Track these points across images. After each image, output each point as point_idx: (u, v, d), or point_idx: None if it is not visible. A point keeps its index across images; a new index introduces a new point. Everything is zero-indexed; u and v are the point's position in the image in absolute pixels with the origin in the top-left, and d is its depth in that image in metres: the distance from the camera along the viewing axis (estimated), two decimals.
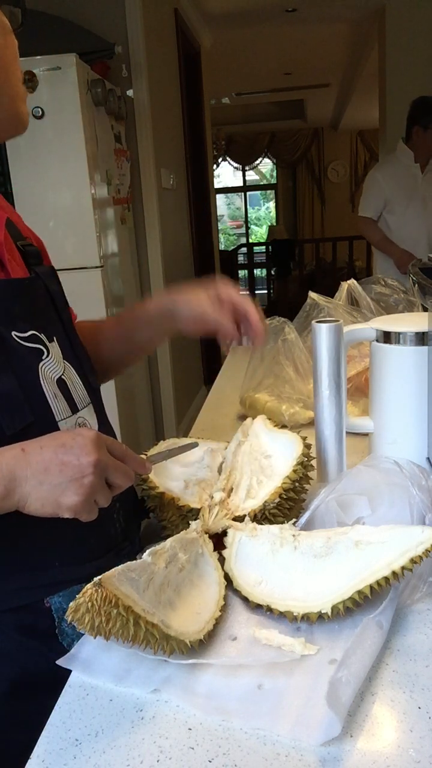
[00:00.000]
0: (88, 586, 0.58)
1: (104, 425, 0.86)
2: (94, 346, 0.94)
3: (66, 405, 0.77)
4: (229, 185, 10.90)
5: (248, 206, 11.03)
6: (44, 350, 0.77)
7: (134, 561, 0.64)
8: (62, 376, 0.79)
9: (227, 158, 9.94)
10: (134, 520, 0.89)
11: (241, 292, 0.89)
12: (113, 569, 0.61)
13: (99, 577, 0.59)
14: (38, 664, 0.73)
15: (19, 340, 0.73)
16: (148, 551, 0.67)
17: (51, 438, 0.66)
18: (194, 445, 0.87)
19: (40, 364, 0.75)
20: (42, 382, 0.75)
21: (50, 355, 0.77)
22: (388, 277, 1.51)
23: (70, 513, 0.64)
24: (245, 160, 10.10)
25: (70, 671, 0.62)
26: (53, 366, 0.78)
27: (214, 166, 8.42)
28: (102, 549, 0.80)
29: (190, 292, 0.91)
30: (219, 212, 8.99)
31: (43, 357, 0.76)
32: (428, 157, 3.21)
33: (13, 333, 0.73)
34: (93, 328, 0.98)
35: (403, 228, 3.27)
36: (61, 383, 0.78)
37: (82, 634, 0.65)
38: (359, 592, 0.63)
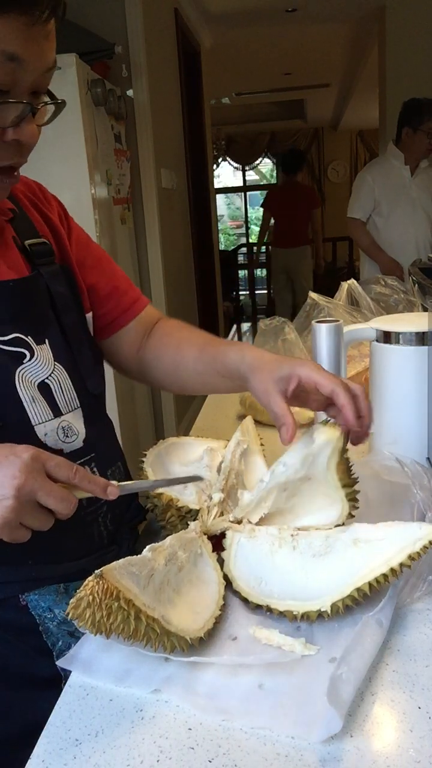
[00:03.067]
0: (89, 578, 0.58)
1: (95, 429, 0.83)
2: (174, 371, 0.93)
3: (47, 409, 0.76)
4: (229, 185, 10.90)
5: (248, 206, 11.03)
6: (27, 353, 0.76)
7: (134, 556, 0.64)
8: (47, 380, 0.77)
9: (227, 158, 9.94)
10: (126, 523, 0.88)
11: (327, 374, 0.74)
12: (114, 562, 0.61)
13: (100, 569, 0.59)
14: (15, 658, 0.73)
15: None
16: (147, 548, 0.67)
17: None
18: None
19: (19, 368, 0.75)
20: (18, 386, 0.74)
21: (34, 358, 0.76)
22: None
23: None
24: (245, 160, 10.10)
25: (51, 668, 0.62)
26: (37, 369, 0.77)
27: (214, 166, 8.42)
28: (82, 551, 0.79)
29: (259, 370, 0.78)
30: (219, 212, 8.99)
31: (24, 360, 0.76)
32: (417, 160, 3.19)
33: None
34: (174, 353, 0.94)
35: (390, 230, 3.25)
36: (44, 387, 0.77)
37: (69, 632, 0.65)
38: (358, 589, 0.63)
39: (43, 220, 0.87)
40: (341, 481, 0.74)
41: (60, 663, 0.62)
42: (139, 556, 0.65)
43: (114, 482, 0.67)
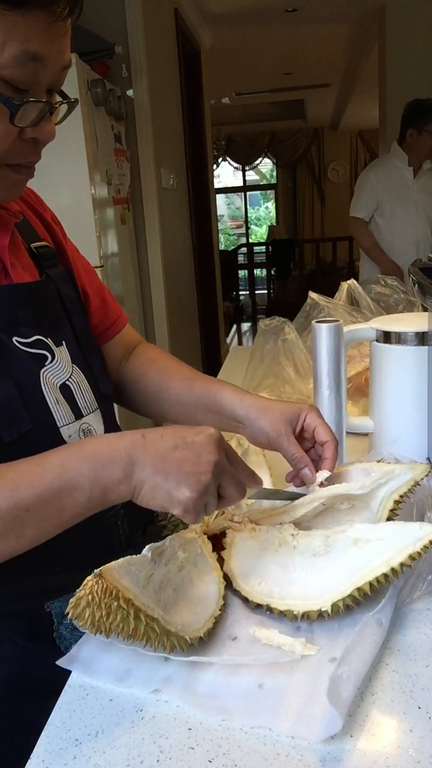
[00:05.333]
0: (89, 578, 0.58)
1: (112, 431, 0.83)
2: (157, 396, 0.93)
3: (69, 411, 0.76)
4: (229, 185, 10.91)
5: (248, 206, 11.03)
6: (48, 355, 0.76)
7: (134, 556, 0.64)
8: (67, 381, 0.78)
9: (227, 158, 9.95)
10: (139, 526, 0.88)
11: (326, 424, 0.79)
12: (113, 562, 0.61)
13: (99, 568, 0.59)
14: (37, 668, 0.73)
15: (20, 346, 0.73)
16: (147, 547, 0.67)
17: (172, 429, 0.64)
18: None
19: (43, 370, 0.75)
20: (44, 388, 0.74)
21: (55, 360, 0.77)
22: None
23: (180, 509, 0.62)
24: (245, 160, 10.10)
25: (69, 674, 0.62)
26: (58, 371, 0.77)
27: (214, 166, 8.42)
28: (104, 555, 0.79)
29: (269, 411, 0.80)
30: (219, 212, 8.99)
31: (47, 362, 0.76)
32: (421, 161, 3.19)
33: (15, 339, 0.73)
34: (160, 379, 0.93)
35: (392, 231, 3.24)
36: (65, 389, 0.77)
37: (80, 637, 0.65)
38: (359, 589, 0.63)
39: (41, 224, 0.87)
40: (389, 512, 0.74)
41: (60, 663, 0.62)
42: (138, 555, 0.65)
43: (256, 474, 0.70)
